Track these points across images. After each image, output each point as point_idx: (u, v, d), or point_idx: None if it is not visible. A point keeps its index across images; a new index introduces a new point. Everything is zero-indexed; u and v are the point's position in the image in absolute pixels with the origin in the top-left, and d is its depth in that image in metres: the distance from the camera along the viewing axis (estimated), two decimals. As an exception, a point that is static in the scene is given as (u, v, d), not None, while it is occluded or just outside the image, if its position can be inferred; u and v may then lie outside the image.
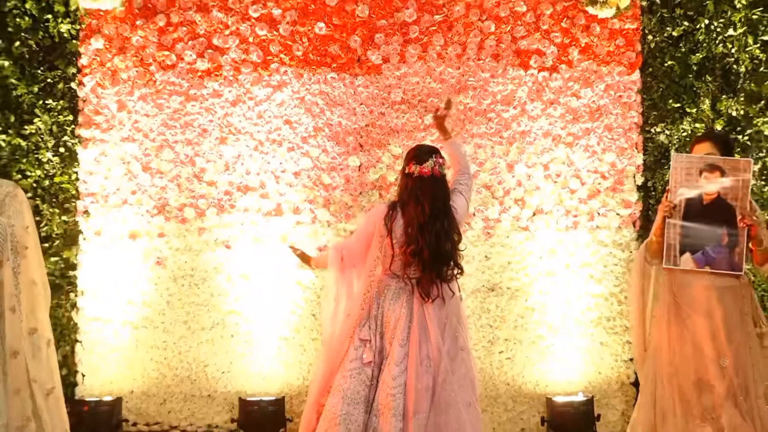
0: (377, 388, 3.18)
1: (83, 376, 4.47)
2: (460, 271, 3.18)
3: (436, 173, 3.18)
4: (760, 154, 4.50)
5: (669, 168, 4.30)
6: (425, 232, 3.13)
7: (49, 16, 4.43)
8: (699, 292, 3.45)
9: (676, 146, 4.54)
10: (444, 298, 3.15)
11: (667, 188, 3.52)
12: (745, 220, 3.33)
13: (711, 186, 3.40)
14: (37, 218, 4.33)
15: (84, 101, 4.49)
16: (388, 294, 3.24)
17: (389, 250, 3.17)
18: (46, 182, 4.49)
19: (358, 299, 3.26)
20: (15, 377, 3.06)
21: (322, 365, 3.31)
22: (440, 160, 3.18)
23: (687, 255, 3.42)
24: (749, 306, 3.48)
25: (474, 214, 4.54)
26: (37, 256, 3.27)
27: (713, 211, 3.40)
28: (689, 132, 4.49)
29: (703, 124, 4.44)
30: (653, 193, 4.56)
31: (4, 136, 4.45)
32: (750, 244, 3.40)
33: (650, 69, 4.60)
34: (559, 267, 4.53)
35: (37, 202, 4.47)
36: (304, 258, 3.59)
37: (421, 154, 3.28)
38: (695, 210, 3.39)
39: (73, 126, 4.50)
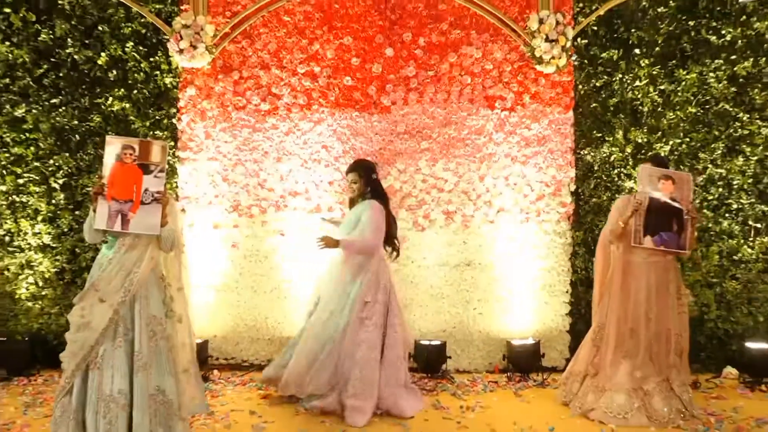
0: (385, 333, 4.00)
1: (181, 325, 5.00)
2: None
3: None
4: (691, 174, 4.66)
5: (594, 179, 4.93)
6: (393, 219, 4.15)
7: (158, 72, 4.91)
8: (639, 267, 3.87)
9: (599, 164, 4.92)
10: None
11: (634, 191, 3.84)
12: (690, 214, 3.77)
13: (668, 193, 3.76)
14: (148, 214, 4.87)
15: (181, 132, 4.92)
16: (384, 265, 4.08)
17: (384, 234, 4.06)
18: (155, 189, 5.00)
19: (372, 269, 4.00)
20: (181, 311, 3.45)
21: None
22: None
23: (648, 237, 3.78)
24: (674, 277, 3.91)
25: (455, 212, 4.94)
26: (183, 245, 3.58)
27: (668, 207, 3.79)
28: (608, 153, 4.91)
29: (617, 148, 4.87)
30: (582, 197, 4.96)
31: (125, 157, 5.01)
32: (691, 233, 3.80)
33: (580, 109, 4.95)
34: (516, 249, 4.94)
35: (149, 203, 4.96)
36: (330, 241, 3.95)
37: (374, 165, 4.20)
38: (655, 206, 3.77)
39: (174, 149, 4.91)
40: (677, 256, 3.98)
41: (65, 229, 4.93)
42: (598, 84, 4.95)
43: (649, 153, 4.80)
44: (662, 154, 4.77)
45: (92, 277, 3.34)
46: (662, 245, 3.80)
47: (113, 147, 3.25)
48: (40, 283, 4.95)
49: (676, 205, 3.80)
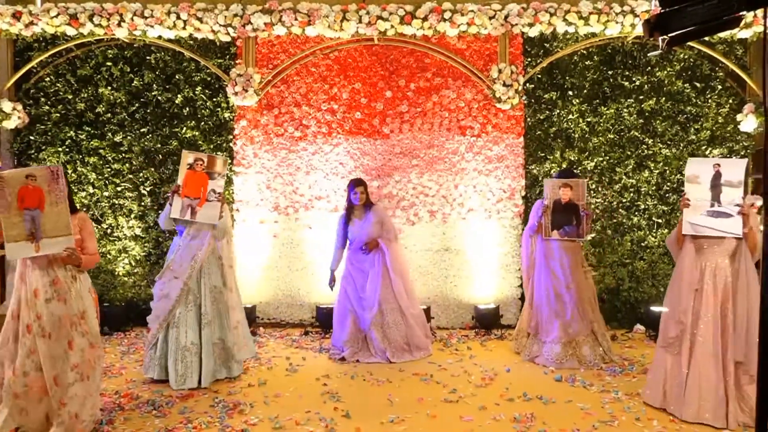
0: None
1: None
2: None
3: None
4: (585, 179, 4.68)
5: (538, 187, 5.03)
6: None
7: (219, 109, 5.16)
8: (556, 251, 4.07)
9: (542, 175, 5.06)
10: None
11: (543, 197, 4.04)
12: (586, 211, 3.96)
13: (567, 197, 3.96)
14: (212, 213, 5.16)
15: (236, 153, 5.17)
16: None
17: None
18: (217, 194, 5.31)
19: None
20: (232, 283, 3.76)
21: None
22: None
23: (555, 231, 3.99)
24: (580, 256, 4.15)
25: (437, 211, 5.12)
26: (232, 235, 3.86)
27: (567, 207, 3.97)
28: (549, 168, 5.10)
29: (556, 164, 5.08)
30: (530, 200, 5.11)
31: (195, 171, 5.38)
32: (586, 224, 3.99)
33: (529, 135, 5.14)
34: (482, 239, 5.13)
35: (213, 204, 5.23)
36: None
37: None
38: (558, 207, 3.99)
39: (231, 165, 5.15)
40: (581, 242, 4.15)
41: (151, 224, 5.24)
42: (541, 117, 5.15)
43: (563, 167, 4.95)
44: (567, 167, 4.88)
45: (168, 260, 3.58)
46: (565, 236, 3.99)
47: (188, 158, 3.43)
48: (133, 264, 5.25)
49: (574, 203, 3.97)
